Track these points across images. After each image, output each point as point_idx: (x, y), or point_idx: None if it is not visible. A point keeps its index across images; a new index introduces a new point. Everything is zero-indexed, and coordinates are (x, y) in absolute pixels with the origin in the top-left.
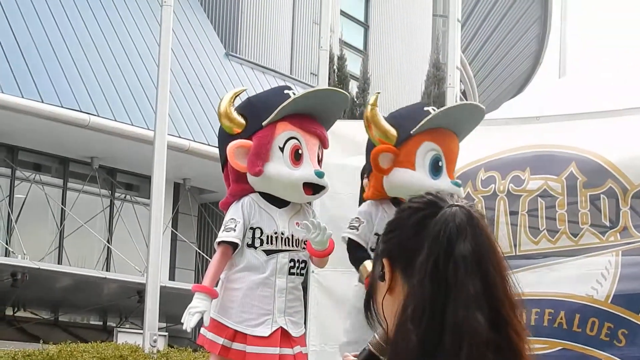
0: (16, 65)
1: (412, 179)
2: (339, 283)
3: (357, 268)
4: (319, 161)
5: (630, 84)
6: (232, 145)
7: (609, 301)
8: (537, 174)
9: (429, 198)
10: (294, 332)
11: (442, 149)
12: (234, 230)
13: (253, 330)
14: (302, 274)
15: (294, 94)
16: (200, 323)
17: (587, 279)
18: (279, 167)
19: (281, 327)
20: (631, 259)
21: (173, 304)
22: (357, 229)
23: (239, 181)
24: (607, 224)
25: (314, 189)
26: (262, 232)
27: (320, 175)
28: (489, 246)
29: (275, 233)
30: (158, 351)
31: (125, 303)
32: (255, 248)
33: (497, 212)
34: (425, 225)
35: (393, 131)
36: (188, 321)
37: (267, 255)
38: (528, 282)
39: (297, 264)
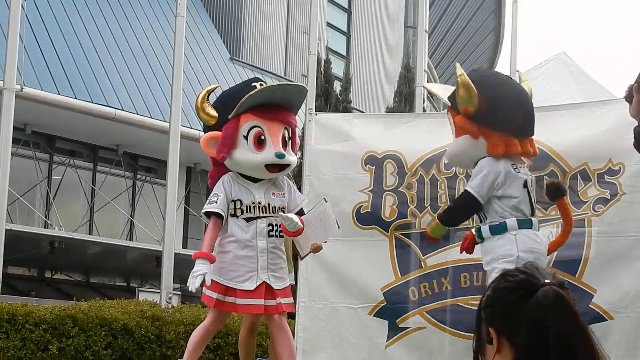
0: (54, 67)
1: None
2: (324, 250)
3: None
4: (292, 140)
5: (569, 85)
6: (204, 137)
7: (550, 265)
8: None
9: (522, 277)
10: (277, 285)
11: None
12: (216, 202)
13: (241, 285)
14: (281, 236)
15: (261, 84)
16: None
17: None
18: (244, 153)
19: (264, 281)
20: None
21: (185, 268)
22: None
23: (217, 165)
24: (549, 200)
25: (279, 167)
26: (241, 203)
27: (279, 156)
28: (577, 327)
29: (253, 203)
30: (172, 307)
31: (145, 267)
32: (237, 217)
33: (457, 191)
34: (521, 305)
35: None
36: (192, 283)
37: (247, 222)
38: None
39: (275, 228)
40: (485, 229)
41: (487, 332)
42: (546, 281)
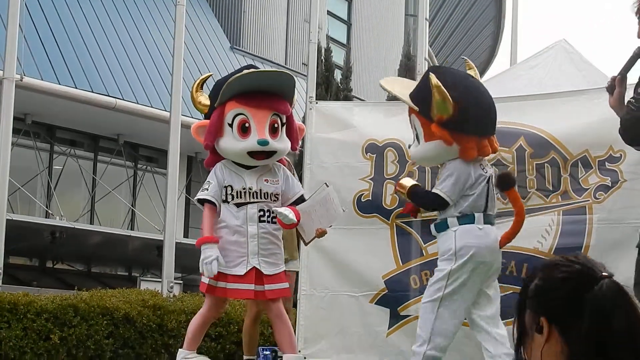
0: (54, 57)
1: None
2: (325, 238)
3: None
4: (289, 126)
5: (570, 72)
6: (194, 125)
7: (552, 252)
8: None
9: (577, 268)
10: (267, 271)
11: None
12: (207, 189)
13: (231, 270)
14: (272, 222)
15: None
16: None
17: (534, 234)
18: (228, 140)
19: (255, 267)
20: (570, 218)
21: (187, 257)
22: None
23: (213, 153)
24: (550, 188)
25: (265, 154)
26: (232, 189)
27: (262, 143)
28: (638, 319)
29: (244, 189)
30: (174, 296)
31: (147, 257)
32: (228, 203)
33: None
34: (581, 295)
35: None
36: (208, 270)
37: (238, 207)
38: None
39: (267, 213)
40: (432, 227)
41: (536, 321)
42: (604, 273)
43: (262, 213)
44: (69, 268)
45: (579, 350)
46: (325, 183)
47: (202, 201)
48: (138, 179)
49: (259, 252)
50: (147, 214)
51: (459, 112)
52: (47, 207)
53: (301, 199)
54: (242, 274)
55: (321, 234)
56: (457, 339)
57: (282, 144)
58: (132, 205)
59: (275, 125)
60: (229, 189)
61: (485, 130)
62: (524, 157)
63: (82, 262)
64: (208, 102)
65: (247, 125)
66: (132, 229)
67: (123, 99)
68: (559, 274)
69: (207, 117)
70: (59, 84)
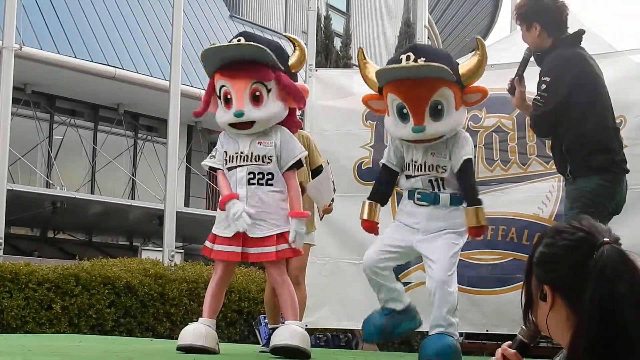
0: (53, 26)
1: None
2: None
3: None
4: (282, 91)
5: None
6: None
7: (552, 219)
8: (492, 113)
9: (580, 235)
10: (253, 234)
11: (401, 98)
12: (214, 157)
13: (222, 232)
14: (266, 184)
15: (238, 40)
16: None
17: (534, 201)
18: (218, 113)
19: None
20: None
21: (187, 226)
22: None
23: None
24: (551, 154)
25: (248, 123)
26: (227, 154)
27: (237, 114)
28: None
29: (236, 153)
30: (175, 264)
31: (148, 226)
32: (226, 168)
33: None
34: (583, 263)
35: (375, 81)
36: (241, 224)
37: (229, 171)
38: (485, 204)
39: (257, 176)
40: (445, 197)
41: (540, 288)
42: (605, 239)
43: (251, 176)
44: (70, 238)
45: (584, 317)
46: (327, 160)
47: (211, 168)
48: (138, 148)
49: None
50: (147, 184)
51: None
52: (47, 177)
53: (299, 163)
54: (230, 236)
55: (326, 210)
56: (462, 306)
57: (263, 111)
58: (132, 175)
59: (257, 93)
60: (225, 154)
61: None
62: (524, 124)
63: (83, 232)
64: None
65: (228, 96)
66: (132, 198)
67: (123, 69)
68: (561, 241)
69: None
70: (59, 53)
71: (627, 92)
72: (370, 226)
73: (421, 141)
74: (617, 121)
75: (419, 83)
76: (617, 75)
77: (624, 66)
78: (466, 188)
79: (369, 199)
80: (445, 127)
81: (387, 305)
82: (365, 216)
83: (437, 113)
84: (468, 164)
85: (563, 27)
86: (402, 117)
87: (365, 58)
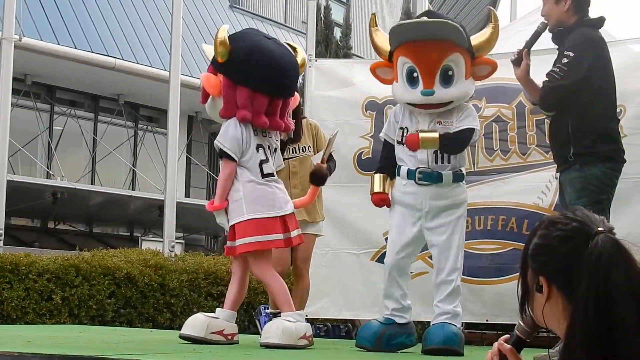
0: (53, 17)
1: (395, 90)
2: (326, 197)
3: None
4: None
5: None
6: None
7: (552, 209)
8: (492, 103)
9: (574, 225)
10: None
11: (413, 61)
12: None
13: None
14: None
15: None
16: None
17: (534, 191)
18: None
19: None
20: None
21: (188, 217)
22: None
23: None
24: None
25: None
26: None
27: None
28: (637, 273)
29: None
30: (175, 255)
31: (148, 216)
32: None
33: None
34: (578, 253)
35: (385, 47)
36: None
37: None
38: (485, 194)
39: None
40: (447, 175)
41: (536, 280)
42: (599, 229)
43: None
44: (70, 228)
45: (579, 307)
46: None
47: None
48: (139, 139)
49: None
50: (148, 174)
51: None
52: (48, 168)
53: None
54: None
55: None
56: (462, 296)
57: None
58: (133, 165)
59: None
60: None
61: None
62: (524, 113)
63: (84, 223)
64: None
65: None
66: (133, 189)
67: (123, 59)
68: (555, 232)
69: None
70: (59, 44)
71: (627, 82)
72: (383, 198)
73: (429, 106)
74: (617, 110)
75: (432, 46)
76: (617, 64)
77: (624, 55)
78: (455, 137)
79: (376, 172)
80: (454, 93)
81: (391, 316)
82: (376, 189)
83: (447, 79)
84: (468, 133)
85: (588, 8)
86: (412, 81)
87: (376, 25)
